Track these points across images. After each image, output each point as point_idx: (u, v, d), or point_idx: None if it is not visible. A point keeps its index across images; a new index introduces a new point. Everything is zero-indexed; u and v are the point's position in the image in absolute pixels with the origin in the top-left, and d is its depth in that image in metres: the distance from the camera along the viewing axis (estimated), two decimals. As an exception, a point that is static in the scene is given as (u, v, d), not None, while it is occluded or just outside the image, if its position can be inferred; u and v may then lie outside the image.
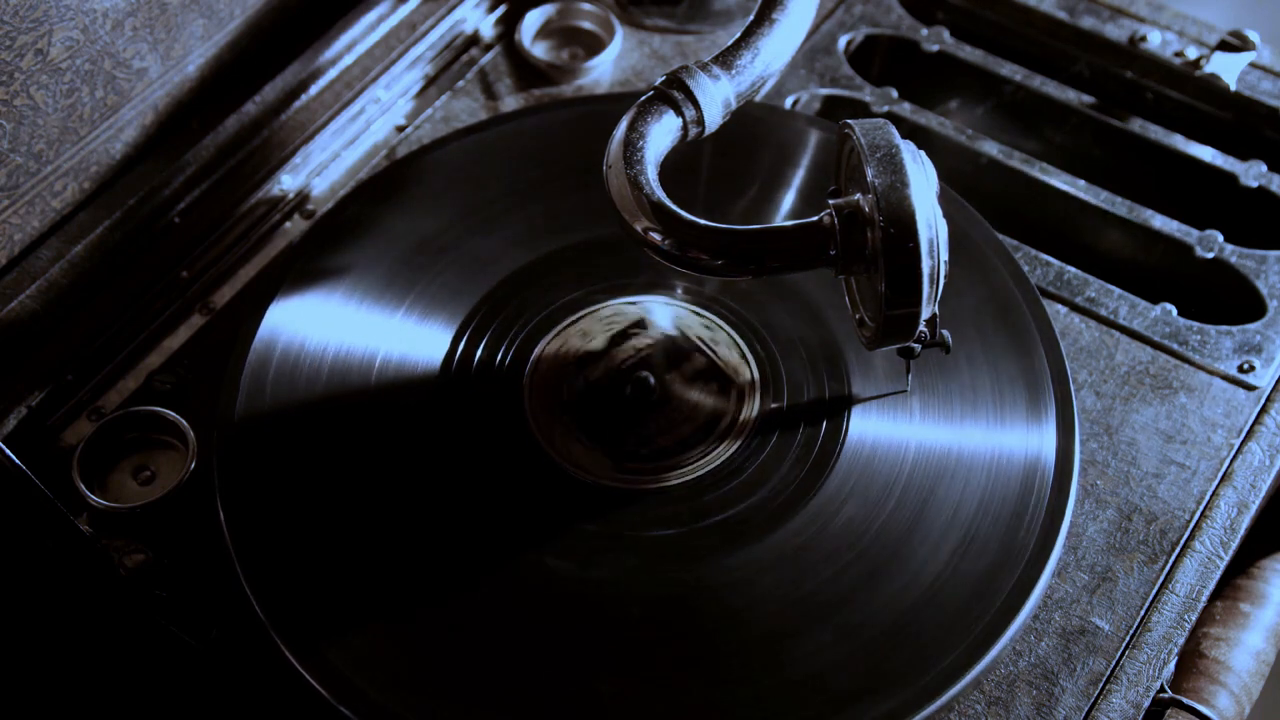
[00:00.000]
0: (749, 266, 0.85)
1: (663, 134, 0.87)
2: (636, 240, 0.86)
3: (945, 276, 0.82)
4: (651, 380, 0.96)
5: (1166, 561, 0.93)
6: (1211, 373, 1.01)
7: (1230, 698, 0.92)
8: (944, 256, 0.81)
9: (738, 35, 0.92)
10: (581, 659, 0.87)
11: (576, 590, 0.89)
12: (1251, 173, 1.14)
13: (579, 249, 1.04)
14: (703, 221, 0.84)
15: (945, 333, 0.89)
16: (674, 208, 0.85)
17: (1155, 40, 1.19)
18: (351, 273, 1.02)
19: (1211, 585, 0.93)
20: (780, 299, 1.01)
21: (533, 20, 1.19)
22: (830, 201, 0.85)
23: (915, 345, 0.90)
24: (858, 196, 0.84)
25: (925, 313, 0.82)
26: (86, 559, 0.89)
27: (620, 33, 1.19)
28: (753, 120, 1.09)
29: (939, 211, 0.81)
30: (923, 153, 0.83)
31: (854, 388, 0.97)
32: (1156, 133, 1.16)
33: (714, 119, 0.89)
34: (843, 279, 0.93)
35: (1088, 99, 1.18)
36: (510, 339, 0.99)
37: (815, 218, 0.85)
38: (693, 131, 0.89)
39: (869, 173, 0.81)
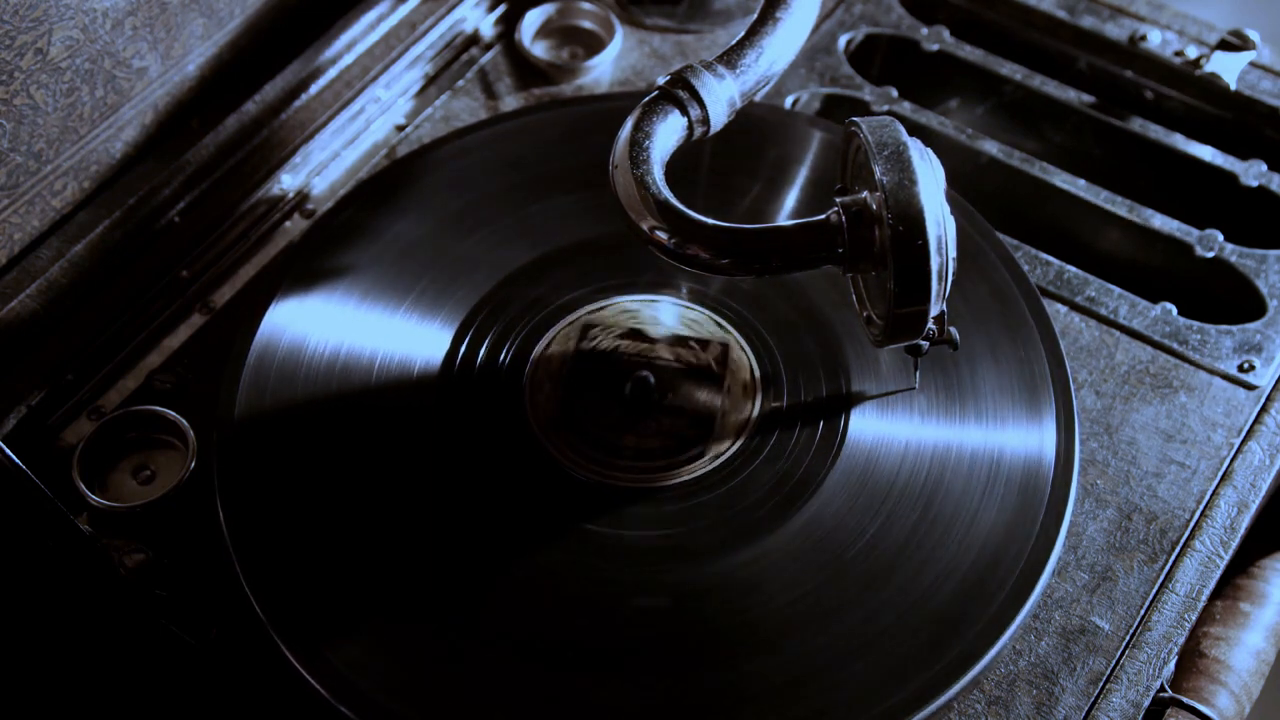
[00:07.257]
0: (755, 265, 0.85)
1: (668, 133, 0.87)
2: (642, 239, 0.85)
3: (953, 274, 0.82)
4: (651, 379, 0.96)
5: (1166, 561, 0.93)
6: (1211, 372, 1.02)
7: (1230, 697, 0.92)
8: (952, 254, 0.81)
9: (741, 34, 0.92)
10: (581, 659, 0.87)
11: (576, 590, 0.89)
12: (1251, 172, 1.14)
13: (579, 248, 1.04)
14: (709, 220, 0.84)
15: (953, 330, 0.89)
16: (680, 207, 0.84)
17: (1155, 39, 1.19)
18: (351, 273, 1.02)
19: (1211, 584, 0.93)
20: (783, 298, 1.01)
21: (533, 20, 1.19)
22: (837, 200, 0.85)
23: (923, 343, 0.90)
24: (865, 194, 0.84)
25: (934, 310, 0.82)
26: (86, 559, 0.89)
27: (620, 32, 1.19)
28: (753, 120, 1.09)
29: (947, 208, 0.81)
30: (930, 150, 0.82)
31: (857, 386, 0.97)
32: (1156, 132, 1.16)
33: (719, 118, 0.89)
34: (849, 277, 0.93)
35: (1088, 98, 1.18)
36: (510, 339, 0.99)
37: (822, 216, 0.85)
38: (698, 131, 0.89)
39: (877, 170, 0.81)
